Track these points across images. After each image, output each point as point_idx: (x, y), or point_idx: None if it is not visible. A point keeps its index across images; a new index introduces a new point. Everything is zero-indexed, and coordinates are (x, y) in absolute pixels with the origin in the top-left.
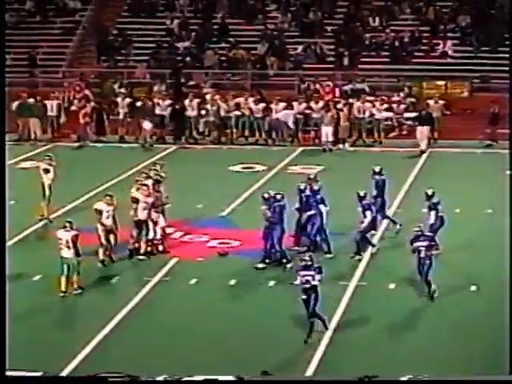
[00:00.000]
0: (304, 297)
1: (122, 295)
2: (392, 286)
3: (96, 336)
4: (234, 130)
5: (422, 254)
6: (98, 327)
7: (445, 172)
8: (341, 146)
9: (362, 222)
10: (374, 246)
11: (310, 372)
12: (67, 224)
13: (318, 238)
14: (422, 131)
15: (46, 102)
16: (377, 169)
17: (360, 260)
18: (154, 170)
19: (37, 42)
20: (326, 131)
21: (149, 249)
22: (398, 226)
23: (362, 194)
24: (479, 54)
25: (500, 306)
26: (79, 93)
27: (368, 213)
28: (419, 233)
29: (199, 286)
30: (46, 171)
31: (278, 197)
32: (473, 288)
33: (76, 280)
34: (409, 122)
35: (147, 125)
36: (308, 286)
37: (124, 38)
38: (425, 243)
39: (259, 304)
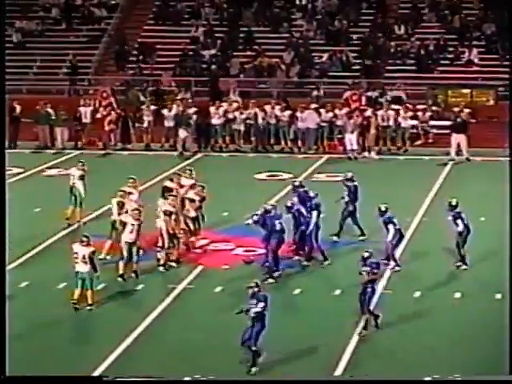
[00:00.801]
0: (249, 324)
1: (147, 303)
2: (417, 294)
3: (121, 344)
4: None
5: (365, 279)
6: (122, 335)
7: (470, 180)
8: (367, 154)
9: (388, 237)
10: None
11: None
12: (84, 238)
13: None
14: (457, 138)
15: (81, 108)
16: (349, 175)
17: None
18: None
19: (63, 49)
20: (350, 139)
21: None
22: (363, 237)
23: (383, 208)
24: (504, 62)
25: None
26: (105, 99)
27: (390, 226)
28: (366, 254)
29: (224, 293)
30: (81, 177)
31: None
32: (498, 296)
33: (90, 295)
34: (434, 130)
35: (182, 133)
36: (252, 314)
37: (149, 45)
38: (368, 268)
39: (285, 311)
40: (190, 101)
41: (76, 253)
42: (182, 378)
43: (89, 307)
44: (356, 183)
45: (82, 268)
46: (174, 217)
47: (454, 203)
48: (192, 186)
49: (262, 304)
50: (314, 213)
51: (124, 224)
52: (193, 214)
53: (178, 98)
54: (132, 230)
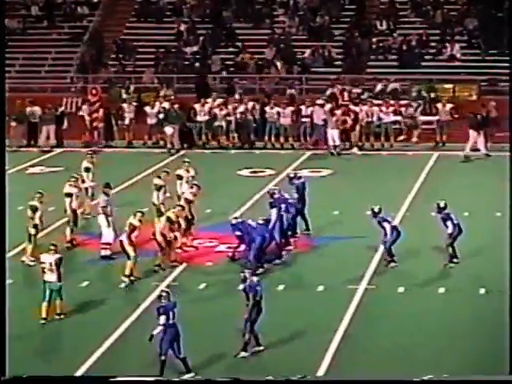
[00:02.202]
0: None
1: (129, 301)
2: (401, 289)
3: (106, 341)
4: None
5: (250, 300)
6: (105, 334)
7: (453, 175)
8: (354, 149)
9: (386, 235)
10: (394, 261)
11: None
12: (52, 247)
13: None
14: (474, 135)
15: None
16: (291, 175)
17: (393, 267)
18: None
19: (45, 47)
20: (332, 135)
21: None
22: (308, 232)
23: (376, 209)
24: (487, 56)
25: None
26: (95, 96)
27: (385, 224)
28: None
29: (208, 290)
30: (87, 169)
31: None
32: (482, 291)
33: (59, 305)
34: (424, 126)
35: (169, 129)
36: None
37: (129, 43)
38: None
39: (268, 308)
40: (172, 97)
41: (43, 262)
42: (181, 378)
43: (57, 317)
44: (303, 180)
45: (50, 277)
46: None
47: (442, 205)
48: (191, 186)
49: (170, 315)
50: (274, 210)
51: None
52: (187, 213)
53: (161, 95)
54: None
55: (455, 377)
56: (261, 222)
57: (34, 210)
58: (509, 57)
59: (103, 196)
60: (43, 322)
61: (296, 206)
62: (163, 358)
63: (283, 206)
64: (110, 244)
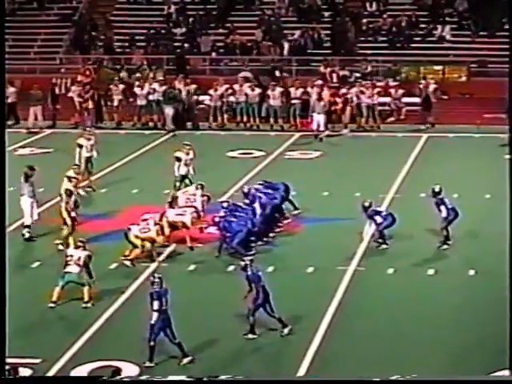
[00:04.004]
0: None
1: (119, 282)
2: (390, 271)
3: (94, 324)
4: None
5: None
6: (95, 315)
7: (443, 157)
8: (344, 131)
9: (380, 224)
10: (385, 243)
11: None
12: (80, 243)
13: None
14: None
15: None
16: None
17: (385, 248)
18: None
19: (34, 28)
20: (318, 120)
21: None
22: (297, 211)
23: (366, 204)
24: (477, 38)
25: (500, 291)
26: (87, 77)
27: (377, 217)
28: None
29: (197, 272)
30: (80, 146)
31: None
32: (471, 272)
33: (87, 292)
34: (407, 108)
35: (169, 110)
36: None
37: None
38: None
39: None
40: (161, 78)
41: (71, 255)
42: (181, 378)
43: (85, 304)
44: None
45: (73, 269)
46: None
47: (437, 189)
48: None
49: (163, 299)
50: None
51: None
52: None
53: (151, 76)
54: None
55: (453, 377)
56: (247, 202)
57: (69, 194)
58: (508, 39)
59: (24, 178)
60: (52, 305)
61: (280, 193)
62: (152, 343)
63: (263, 196)
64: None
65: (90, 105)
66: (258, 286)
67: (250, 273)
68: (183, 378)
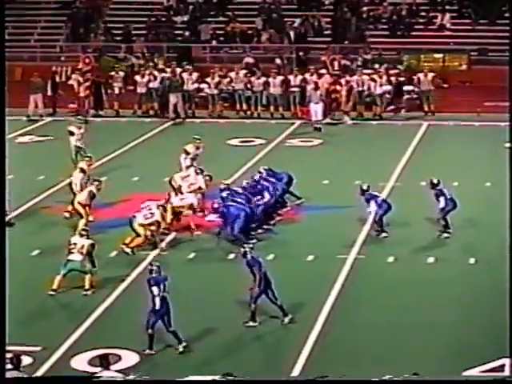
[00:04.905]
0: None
1: (119, 270)
2: (391, 259)
3: (94, 312)
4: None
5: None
6: (95, 303)
7: (443, 145)
8: (344, 119)
9: (376, 214)
10: (384, 231)
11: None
12: (84, 232)
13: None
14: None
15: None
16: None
17: (385, 236)
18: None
19: (34, 16)
20: (316, 109)
21: None
22: (299, 201)
23: (364, 187)
24: (477, 26)
25: (500, 279)
26: (87, 65)
27: (372, 203)
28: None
29: (197, 260)
30: (71, 133)
31: None
32: (472, 261)
33: (88, 280)
34: (408, 96)
35: (173, 98)
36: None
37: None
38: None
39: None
40: (161, 67)
41: (75, 243)
42: (181, 378)
43: (85, 292)
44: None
45: (76, 257)
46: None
47: (435, 181)
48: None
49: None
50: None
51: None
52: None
53: (151, 64)
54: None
55: (453, 377)
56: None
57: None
58: (509, 26)
59: None
60: (52, 293)
61: (282, 184)
62: (150, 331)
63: (270, 186)
64: None
65: (89, 93)
66: (259, 273)
67: (249, 258)
68: (184, 378)
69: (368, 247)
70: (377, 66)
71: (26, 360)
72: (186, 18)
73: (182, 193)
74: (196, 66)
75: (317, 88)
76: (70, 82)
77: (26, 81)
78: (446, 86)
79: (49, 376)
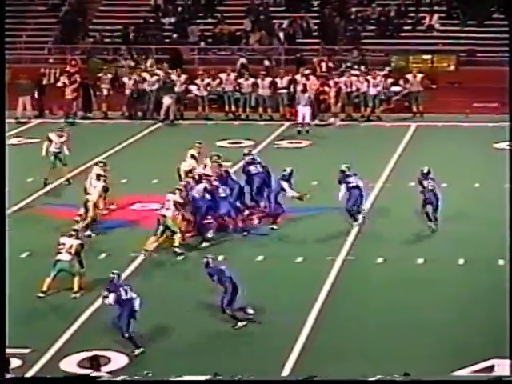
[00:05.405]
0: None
1: (108, 272)
2: (380, 260)
3: (83, 314)
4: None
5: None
6: (84, 305)
7: (431, 146)
8: (332, 120)
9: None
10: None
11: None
12: (73, 232)
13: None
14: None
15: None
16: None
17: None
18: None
19: (23, 18)
20: (303, 112)
21: None
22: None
23: (343, 167)
24: (466, 27)
25: (489, 280)
26: (74, 67)
27: (342, 186)
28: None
29: (186, 261)
30: (50, 140)
31: None
32: (461, 261)
33: (77, 282)
34: (397, 97)
35: (166, 100)
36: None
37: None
38: None
39: (248, 279)
40: (150, 69)
41: (63, 244)
42: (181, 378)
43: (74, 295)
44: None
45: (65, 257)
46: None
47: (425, 171)
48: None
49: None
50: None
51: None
52: None
53: (140, 66)
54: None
55: (452, 377)
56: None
57: (106, 190)
58: (508, 27)
59: None
60: (42, 295)
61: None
62: (127, 335)
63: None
64: None
65: (77, 95)
66: (225, 282)
67: (210, 269)
68: (183, 378)
69: (357, 248)
70: (363, 67)
71: (16, 362)
72: (173, 20)
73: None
74: (184, 68)
75: (305, 90)
76: (59, 84)
77: (14, 83)
78: (434, 86)
79: (49, 376)
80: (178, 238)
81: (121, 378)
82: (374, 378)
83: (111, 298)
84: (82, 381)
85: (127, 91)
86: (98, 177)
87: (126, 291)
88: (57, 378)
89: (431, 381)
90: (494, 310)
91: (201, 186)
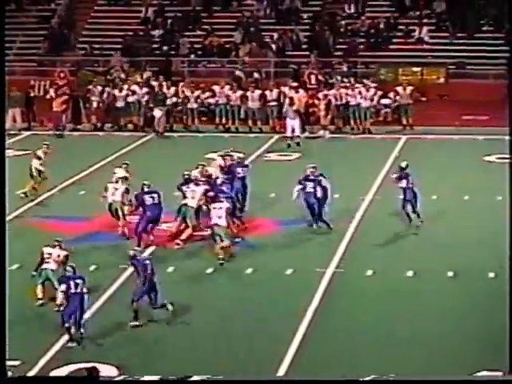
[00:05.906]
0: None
1: (98, 283)
2: (369, 272)
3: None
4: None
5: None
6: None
7: (421, 159)
8: (321, 132)
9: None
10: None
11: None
12: (56, 243)
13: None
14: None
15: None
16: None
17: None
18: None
19: (12, 30)
20: (292, 125)
21: None
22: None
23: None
24: (455, 40)
25: (478, 292)
26: (63, 79)
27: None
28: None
29: (176, 273)
30: (39, 157)
31: None
32: (450, 274)
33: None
34: (386, 110)
35: (157, 112)
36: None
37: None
38: None
39: (237, 291)
40: (140, 80)
41: (50, 253)
42: (181, 378)
43: (57, 308)
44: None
45: (51, 266)
46: None
47: (403, 165)
48: None
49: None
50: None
51: None
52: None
53: (130, 78)
54: None
55: (452, 376)
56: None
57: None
58: (507, 40)
59: None
60: (41, 302)
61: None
62: (66, 325)
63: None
64: None
65: (66, 107)
66: (144, 274)
67: (135, 260)
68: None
69: (347, 260)
70: (352, 79)
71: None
72: (162, 32)
73: None
74: (174, 80)
75: (292, 103)
76: (48, 96)
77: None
78: (424, 99)
79: (49, 376)
80: (186, 233)
81: (121, 378)
82: (368, 378)
83: (62, 287)
84: (82, 381)
85: (118, 103)
86: (121, 179)
87: (76, 285)
88: (57, 377)
89: (429, 381)
90: (485, 322)
91: None
